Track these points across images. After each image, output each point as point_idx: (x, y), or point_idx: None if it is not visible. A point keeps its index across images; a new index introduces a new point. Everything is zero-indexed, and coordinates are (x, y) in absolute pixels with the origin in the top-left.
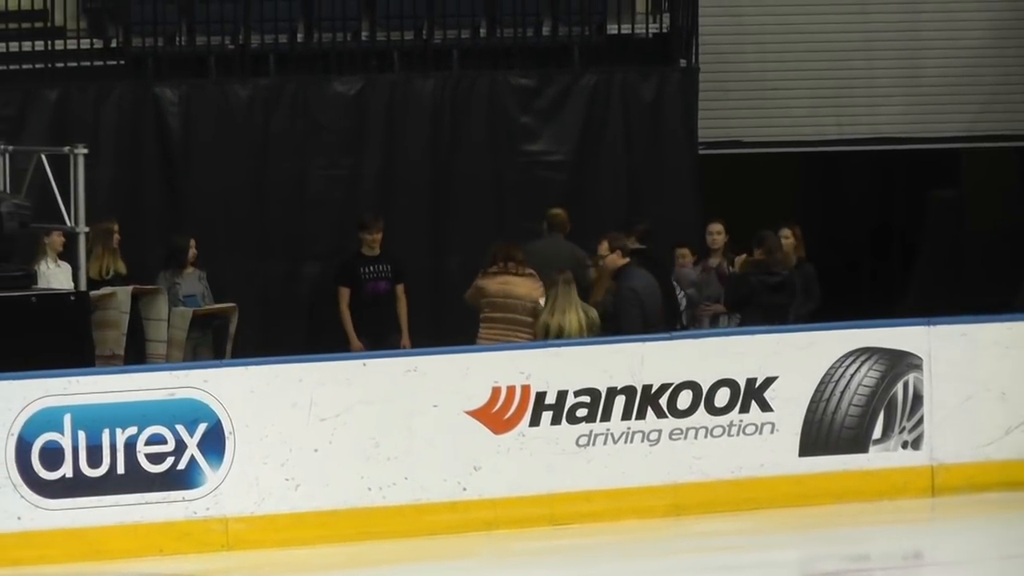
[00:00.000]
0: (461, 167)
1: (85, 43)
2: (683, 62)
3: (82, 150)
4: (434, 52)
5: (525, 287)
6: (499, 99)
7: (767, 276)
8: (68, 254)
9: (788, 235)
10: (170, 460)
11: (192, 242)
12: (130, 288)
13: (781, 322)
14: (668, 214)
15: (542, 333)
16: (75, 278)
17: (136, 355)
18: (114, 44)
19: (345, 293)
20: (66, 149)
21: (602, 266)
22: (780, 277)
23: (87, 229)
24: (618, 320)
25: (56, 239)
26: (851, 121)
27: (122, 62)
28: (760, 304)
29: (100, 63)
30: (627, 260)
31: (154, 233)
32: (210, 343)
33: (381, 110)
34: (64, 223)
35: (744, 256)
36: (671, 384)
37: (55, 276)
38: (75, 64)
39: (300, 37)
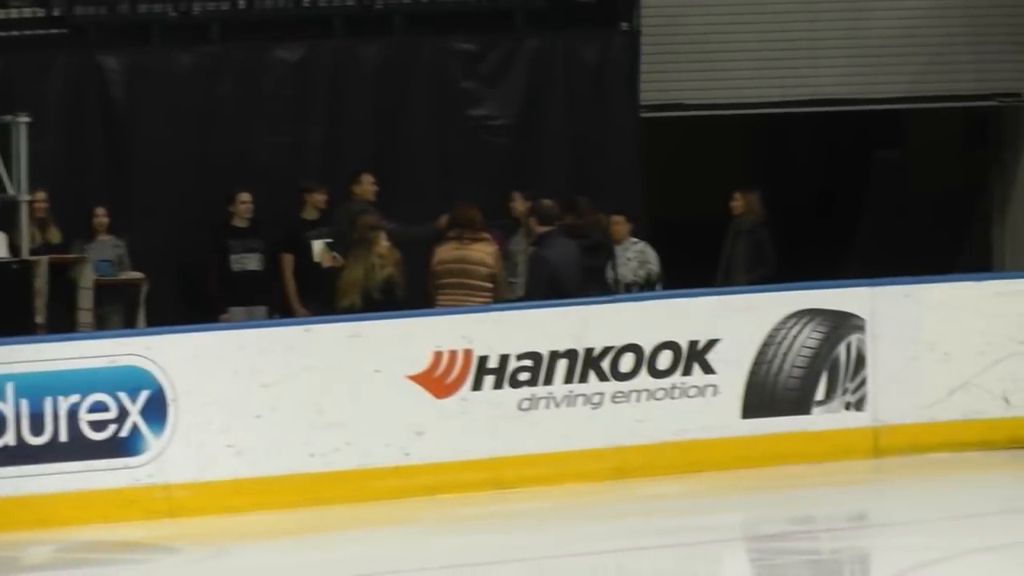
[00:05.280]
0: (405, 133)
1: (28, 12)
2: (625, 25)
3: (24, 119)
4: (377, 17)
5: (480, 251)
6: (442, 64)
7: (580, 239)
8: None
9: (737, 199)
10: (112, 427)
11: (101, 210)
12: (46, 258)
13: (597, 285)
14: (611, 177)
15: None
16: (14, 247)
17: (70, 324)
18: (57, 13)
19: (288, 260)
20: (8, 118)
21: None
22: (593, 240)
23: (29, 198)
24: (526, 285)
25: None
26: (794, 83)
27: (65, 31)
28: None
29: (43, 32)
30: (547, 228)
31: (99, 202)
32: (121, 312)
33: (324, 77)
34: (6, 192)
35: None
36: (613, 347)
37: None
38: (18, 33)
39: (243, 4)
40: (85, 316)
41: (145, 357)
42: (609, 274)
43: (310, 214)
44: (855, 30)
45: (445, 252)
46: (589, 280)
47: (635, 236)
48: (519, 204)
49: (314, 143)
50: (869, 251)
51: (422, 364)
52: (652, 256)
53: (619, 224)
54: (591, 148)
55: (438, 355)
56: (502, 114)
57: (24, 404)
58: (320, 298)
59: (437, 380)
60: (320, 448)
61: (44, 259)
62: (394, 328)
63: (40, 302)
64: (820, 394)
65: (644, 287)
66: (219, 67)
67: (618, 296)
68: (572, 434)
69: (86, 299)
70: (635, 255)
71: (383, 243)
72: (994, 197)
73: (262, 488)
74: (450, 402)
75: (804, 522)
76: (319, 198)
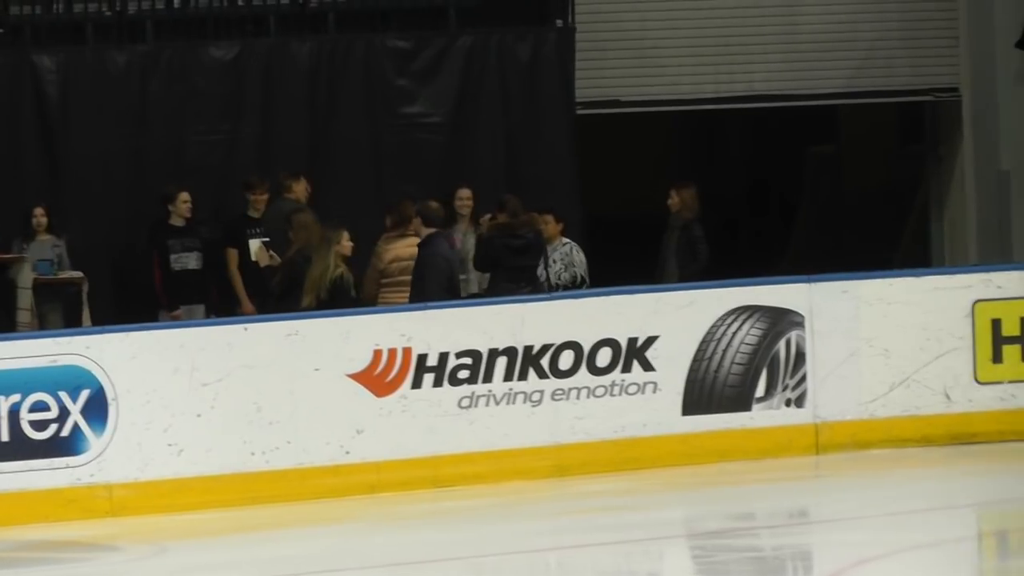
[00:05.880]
0: (339, 130)
1: None
2: (559, 22)
3: None
4: (310, 16)
5: None
6: (375, 62)
7: (511, 239)
8: None
9: (673, 196)
10: (54, 427)
11: (40, 210)
12: None
13: (529, 284)
14: (546, 174)
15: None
16: None
17: (9, 324)
18: None
19: (233, 255)
20: None
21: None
22: (524, 240)
23: None
24: (423, 285)
25: None
26: (729, 79)
27: (0, 30)
28: (505, 267)
29: None
30: (432, 230)
31: (34, 201)
32: (60, 311)
33: (258, 75)
34: None
35: (488, 218)
36: (552, 344)
37: None
38: None
39: (177, 3)
40: (24, 316)
41: (86, 356)
42: (541, 273)
43: (254, 211)
44: (789, 25)
45: (401, 249)
46: (521, 279)
47: (569, 234)
48: (466, 200)
49: (247, 141)
50: (805, 246)
51: (362, 362)
52: (578, 259)
53: (548, 223)
54: (526, 145)
55: (378, 353)
56: (436, 111)
57: None
58: (259, 295)
59: (377, 378)
60: (260, 446)
61: None
62: (333, 326)
63: None
64: (760, 391)
65: (568, 289)
66: (153, 66)
67: (556, 294)
68: (512, 432)
69: (25, 299)
70: (561, 257)
71: (346, 243)
72: (931, 192)
73: (203, 487)
74: (390, 400)
75: (745, 519)
76: (261, 197)
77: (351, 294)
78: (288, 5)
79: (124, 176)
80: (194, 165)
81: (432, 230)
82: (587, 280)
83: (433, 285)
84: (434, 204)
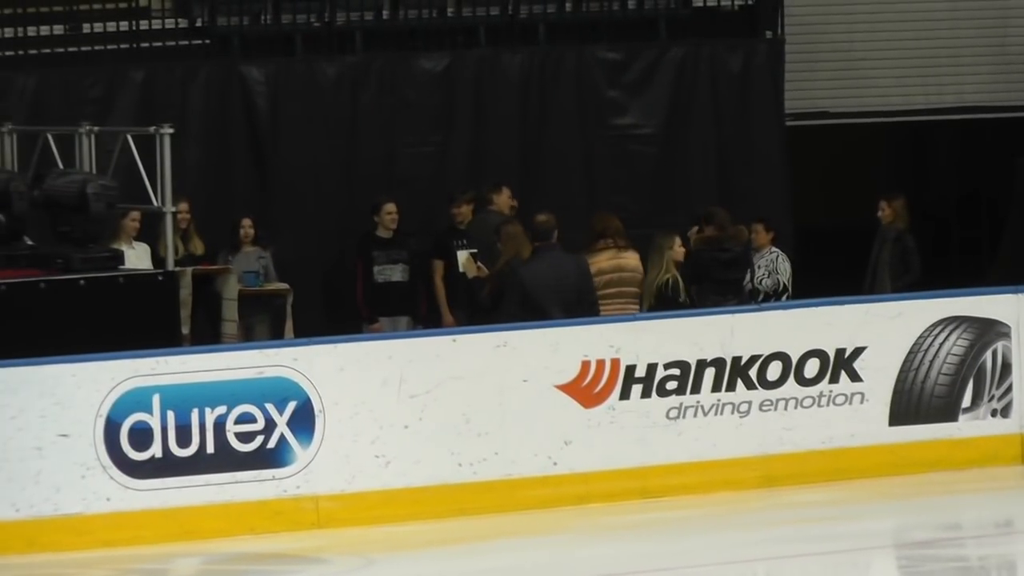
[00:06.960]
0: (550, 142)
1: (171, 23)
2: (769, 33)
3: (168, 130)
4: (520, 27)
5: (634, 259)
6: (587, 73)
7: (719, 252)
8: (142, 235)
9: (884, 207)
10: (260, 439)
11: (247, 221)
12: (190, 269)
13: (736, 297)
14: (757, 186)
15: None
16: (158, 258)
17: (214, 335)
18: (200, 23)
19: (439, 266)
20: (152, 129)
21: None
22: (732, 253)
23: (174, 209)
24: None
25: (130, 223)
26: (937, 90)
27: (208, 41)
28: (713, 280)
29: (186, 43)
30: (540, 243)
31: (242, 213)
32: (267, 323)
33: (469, 86)
34: (151, 203)
35: (695, 230)
36: (760, 355)
37: (130, 257)
38: (161, 44)
39: (386, 14)
40: (230, 327)
41: (292, 368)
42: (747, 285)
43: (458, 223)
44: (999, 36)
45: (603, 262)
46: (728, 292)
47: (780, 244)
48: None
49: (458, 152)
50: (1013, 257)
51: (571, 374)
52: (783, 267)
53: (759, 232)
54: (737, 157)
55: (586, 364)
56: (647, 123)
57: (171, 416)
58: (467, 307)
59: (586, 389)
60: (468, 458)
61: (188, 270)
62: (542, 338)
63: (185, 313)
64: (967, 401)
65: (768, 297)
66: (363, 77)
67: (764, 305)
68: (720, 443)
69: (231, 310)
70: (766, 264)
71: (678, 248)
72: None
73: (410, 498)
74: (598, 411)
75: (951, 529)
76: (462, 209)
77: (679, 299)
78: (498, 16)
79: (334, 188)
80: (404, 177)
81: (538, 244)
82: (789, 288)
83: (506, 304)
84: (542, 217)
